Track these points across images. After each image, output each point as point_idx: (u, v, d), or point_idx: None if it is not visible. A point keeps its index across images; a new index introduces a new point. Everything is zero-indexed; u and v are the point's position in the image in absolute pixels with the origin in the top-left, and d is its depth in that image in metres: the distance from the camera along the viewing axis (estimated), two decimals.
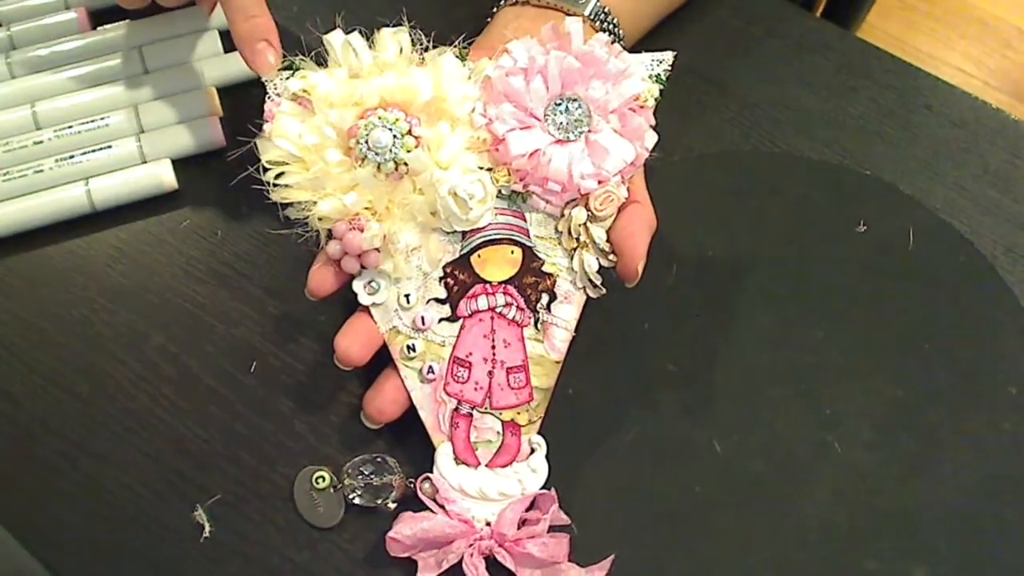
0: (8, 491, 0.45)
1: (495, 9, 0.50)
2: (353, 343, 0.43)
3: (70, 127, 0.52)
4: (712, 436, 0.46)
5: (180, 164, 0.52)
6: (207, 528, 0.44)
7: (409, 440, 0.45)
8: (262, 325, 0.49)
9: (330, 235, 0.43)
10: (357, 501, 0.43)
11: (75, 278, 0.50)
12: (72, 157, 0.51)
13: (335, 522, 0.44)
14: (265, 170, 0.44)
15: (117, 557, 0.43)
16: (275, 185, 0.43)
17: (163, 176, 0.51)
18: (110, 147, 0.52)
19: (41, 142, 0.52)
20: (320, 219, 0.43)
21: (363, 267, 0.44)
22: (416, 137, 0.43)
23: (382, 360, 0.45)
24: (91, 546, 0.44)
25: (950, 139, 0.55)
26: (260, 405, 0.47)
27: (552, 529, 0.42)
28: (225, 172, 0.53)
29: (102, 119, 0.52)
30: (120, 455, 0.45)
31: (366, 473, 0.44)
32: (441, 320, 0.44)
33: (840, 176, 0.53)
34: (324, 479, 0.44)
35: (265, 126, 0.44)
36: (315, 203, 0.43)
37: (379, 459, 0.44)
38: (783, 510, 0.44)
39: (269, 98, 0.45)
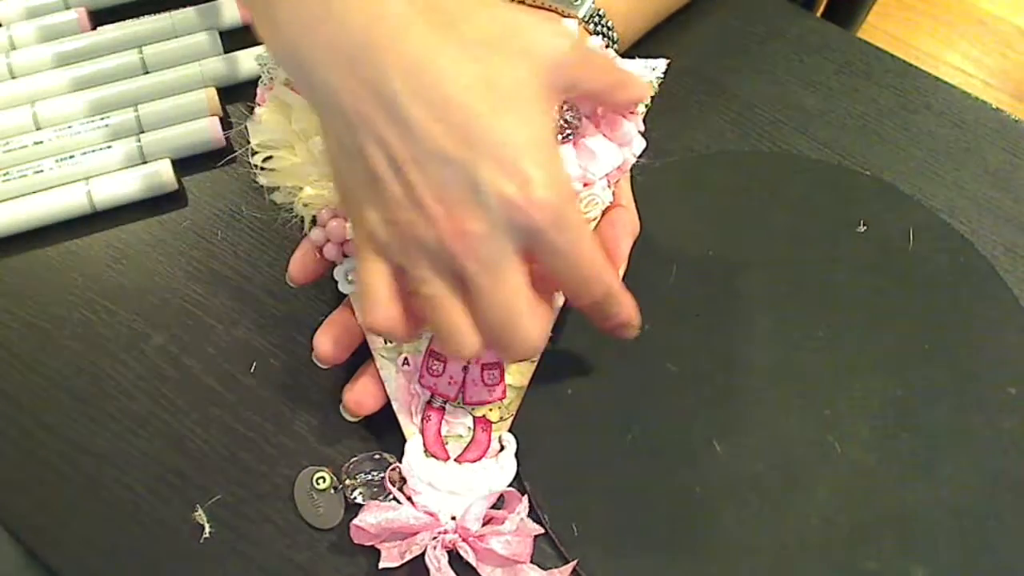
0: (8, 491, 0.45)
1: None
2: (330, 342, 0.44)
3: (70, 127, 0.52)
4: (712, 436, 0.46)
5: (180, 164, 0.52)
6: (207, 528, 0.44)
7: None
8: (262, 325, 0.49)
9: (315, 222, 0.44)
10: (359, 499, 0.43)
11: (75, 278, 0.50)
12: (72, 157, 0.51)
13: (336, 523, 0.44)
14: (254, 153, 0.44)
15: (117, 557, 0.43)
16: (263, 169, 0.44)
17: (163, 176, 0.51)
18: (110, 147, 0.52)
19: (41, 142, 0.52)
20: (305, 205, 0.43)
21: (345, 255, 0.44)
22: None
23: (365, 353, 0.45)
24: (91, 546, 0.44)
25: (950, 139, 0.55)
26: (260, 405, 0.47)
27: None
28: (225, 172, 0.53)
29: (102, 119, 0.52)
30: (120, 455, 0.45)
31: (366, 471, 0.44)
32: None
33: (840, 176, 0.53)
34: (325, 480, 0.44)
35: (256, 110, 0.44)
36: (301, 189, 0.43)
37: (378, 456, 0.44)
38: (783, 510, 0.44)
39: (262, 82, 0.45)
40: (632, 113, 0.44)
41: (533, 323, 0.38)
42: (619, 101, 0.43)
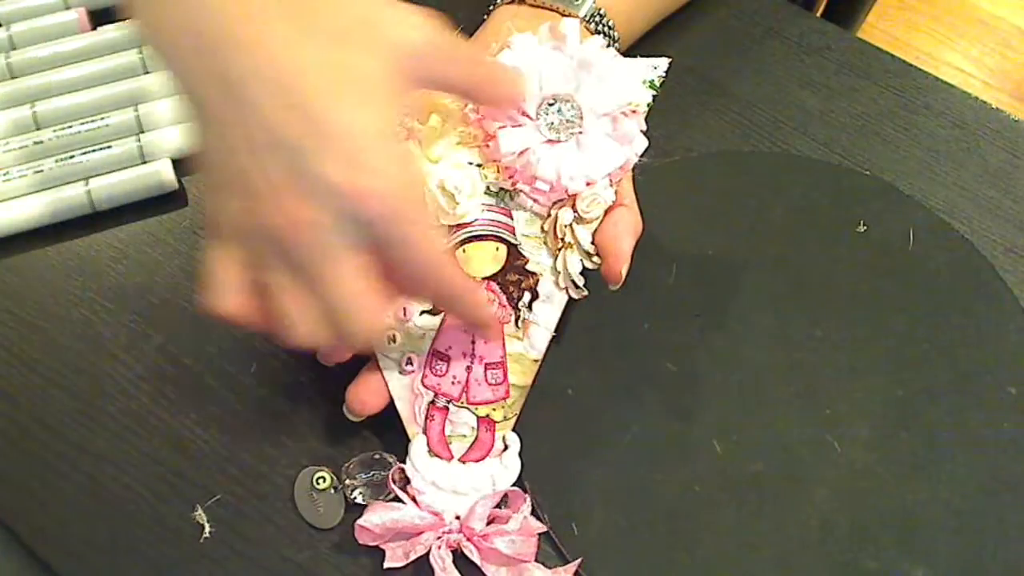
0: (8, 491, 0.45)
1: (491, 8, 0.50)
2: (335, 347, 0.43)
3: (70, 127, 0.52)
4: (712, 436, 0.46)
5: (180, 164, 0.52)
6: (207, 528, 0.44)
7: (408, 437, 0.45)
8: None
9: None
10: (359, 499, 0.43)
11: (75, 278, 0.50)
12: (72, 157, 0.51)
13: (336, 522, 0.44)
14: None
15: (117, 557, 0.43)
16: None
17: (163, 176, 0.51)
18: (110, 147, 0.52)
19: (41, 142, 0.52)
20: None
21: None
22: (407, 130, 0.43)
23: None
24: (91, 546, 0.44)
25: (950, 139, 0.55)
26: (260, 405, 0.47)
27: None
28: None
29: (102, 119, 0.52)
30: (120, 455, 0.45)
31: (367, 471, 0.44)
32: (422, 312, 0.44)
33: (840, 176, 0.53)
34: (325, 479, 0.44)
35: None
36: None
37: (378, 456, 0.44)
38: (783, 510, 0.44)
39: None
40: (635, 112, 0.44)
41: (366, 314, 0.37)
42: (490, 97, 0.42)
